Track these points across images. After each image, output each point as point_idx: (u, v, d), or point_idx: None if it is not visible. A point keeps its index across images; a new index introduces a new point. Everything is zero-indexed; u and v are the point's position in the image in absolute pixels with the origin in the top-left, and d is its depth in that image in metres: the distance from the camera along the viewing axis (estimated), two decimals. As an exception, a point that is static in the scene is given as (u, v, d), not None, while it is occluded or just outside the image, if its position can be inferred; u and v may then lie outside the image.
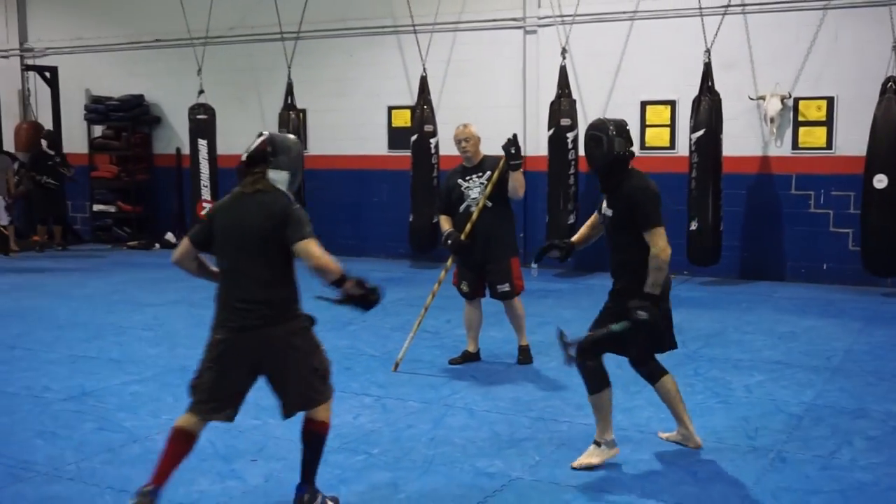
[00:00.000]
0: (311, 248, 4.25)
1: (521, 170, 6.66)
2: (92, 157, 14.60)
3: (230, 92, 13.46)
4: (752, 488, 4.58)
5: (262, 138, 4.37)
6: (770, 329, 8.17)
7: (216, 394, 4.26)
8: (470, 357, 7.04)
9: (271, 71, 13.06)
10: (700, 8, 10.42)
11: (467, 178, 6.80)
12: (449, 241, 6.75)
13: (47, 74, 14.46)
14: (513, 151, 6.57)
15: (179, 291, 10.18)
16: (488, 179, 6.70)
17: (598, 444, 4.88)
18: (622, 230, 4.98)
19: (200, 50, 13.06)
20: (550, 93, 11.04)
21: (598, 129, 4.95)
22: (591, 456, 4.87)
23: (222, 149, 13.14)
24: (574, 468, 4.83)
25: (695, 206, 10.28)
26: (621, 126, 4.96)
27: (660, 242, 4.73)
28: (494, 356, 7.18)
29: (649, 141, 11.15)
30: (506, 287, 6.79)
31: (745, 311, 9.04)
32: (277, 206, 4.27)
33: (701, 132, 10.17)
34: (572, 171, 10.89)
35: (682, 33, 10.72)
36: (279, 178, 4.35)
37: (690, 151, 10.31)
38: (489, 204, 6.69)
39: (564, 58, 10.94)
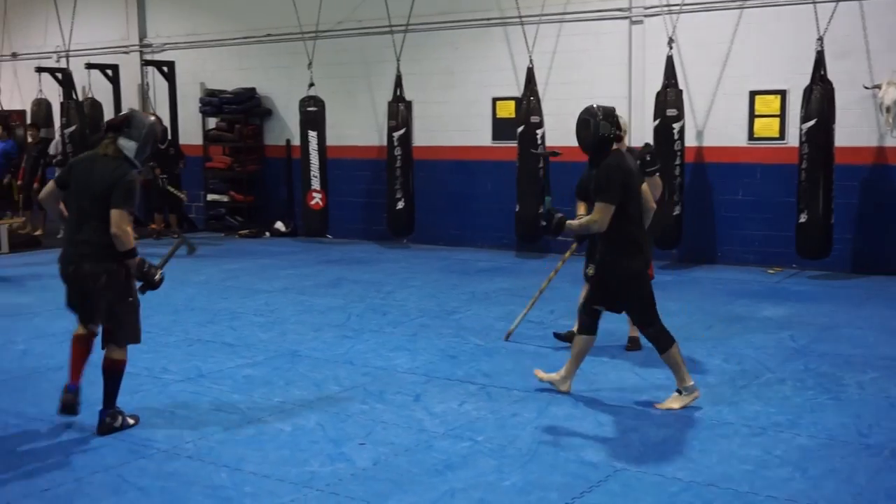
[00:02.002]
0: (117, 216, 5.04)
1: (657, 175, 6.81)
2: (206, 149, 15.13)
3: (339, 84, 13.74)
4: (866, 487, 4.49)
5: (124, 112, 5.47)
6: (884, 325, 7.93)
7: (74, 310, 5.40)
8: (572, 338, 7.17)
9: (380, 63, 13.27)
10: (814, -5, 10.16)
11: None
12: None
13: (165, 69, 15.01)
14: (648, 159, 6.75)
15: (289, 279, 10.52)
16: None
17: (678, 391, 5.59)
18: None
19: (311, 44, 13.37)
20: (656, 83, 10.91)
21: (588, 114, 5.59)
22: (673, 401, 5.58)
23: (331, 140, 13.45)
24: (656, 407, 5.61)
25: (804, 198, 10.02)
26: (609, 112, 5.54)
27: (599, 213, 5.43)
28: (599, 347, 7.17)
29: (758, 131, 10.90)
30: None
31: (858, 306, 8.79)
32: (116, 172, 5.14)
33: (812, 122, 9.90)
34: (678, 161, 10.75)
35: (794, 21, 10.45)
36: (128, 146, 5.23)
37: (801, 142, 10.05)
38: None
39: (671, 48, 10.79)
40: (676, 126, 10.68)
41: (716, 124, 11.17)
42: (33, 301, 9.28)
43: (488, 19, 12.51)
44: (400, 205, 12.79)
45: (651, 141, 10.64)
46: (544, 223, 5.65)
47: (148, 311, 8.45)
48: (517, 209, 11.84)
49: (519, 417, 5.52)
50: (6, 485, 4.55)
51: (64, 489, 4.50)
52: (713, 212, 11.25)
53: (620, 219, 5.44)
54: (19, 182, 14.57)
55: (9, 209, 14.85)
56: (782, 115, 10.71)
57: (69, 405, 5.33)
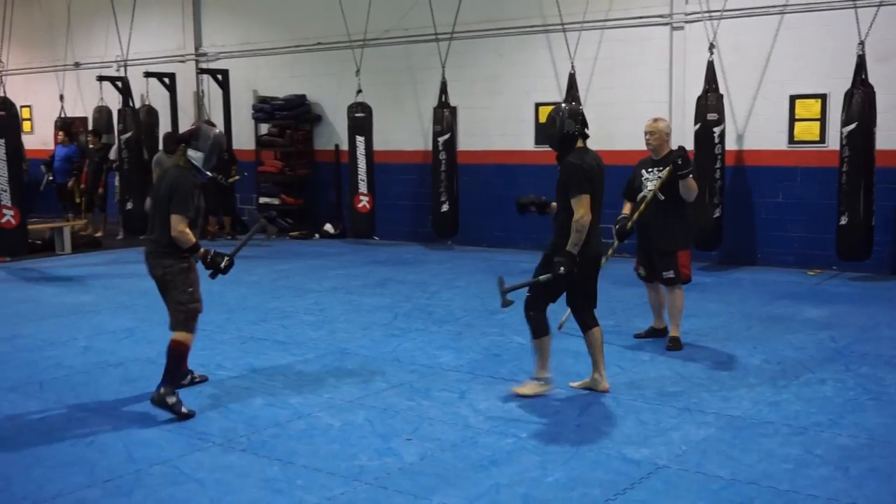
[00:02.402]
0: (174, 220, 5.68)
1: (691, 177, 6.90)
2: (258, 154, 15.45)
3: (386, 91, 13.97)
4: (907, 487, 4.52)
5: (191, 126, 6.01)
6: (926, 326, 7.93)
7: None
8: (655, 333, 7.47)
9: (426, 70, 13.49)
10: (854, 0, 10.14)
11: (650, 169, 7.18)
12: (616, 226, 7.27)
13: (219, 77, 15.36)
14: (679, 162, 6.87)
15: (338, 279, 10.75)
16: None
17: (536, 379, 5.94)
18: (560, 195, 5.96)
19: (359, 51, 13.62)
20: (697, 88, 10.97)
21: (555, 112, 5.96)
22: (525, 388, 5.95)
23: (378, 145, 13.68)
24: (511, 390, 5.97)
25: (845, 201, 10.02)
26: (575, 111, 5.90)
27: (579, 210, 5.67)
28: (639, 346, 7.31)
29: (798, 135, 10.91)
30: (670, 274, 7.13)
31: (900, 308, 8.80)
32: (177, 180, 5.75)
33: (853, 125, 9.89)
34: (718, 165, 10.81)
35: (834, 26, 10.45)
36: (195, 156, 5.84)
37: (841, 145, 10.05)
38: (661, 197, 7.05)
39: (712, 53, 10.84)
40: (717, 130, 10.73)
41: (756, 128, 11.20)
42: (95, 299, 9.62)
43: (531, 26, 12.66)
44: (444, 207, 12.98)
45: (692, 145, 10.72)
46: (562, 270, 5.72)
47: (203, 309, 8.83)
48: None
49: (561, 415, 5.64)
50: (70, 475, 4.75)
51: (124, 480, 4.68)
52: (753, 214, 11.28)
53: (571, 214, 5.74)
54: (82, 186, 15.03)
55: (71, 212, 15.32)
56: (823, 119, 10.72)
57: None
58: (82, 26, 17.51)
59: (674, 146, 7.25)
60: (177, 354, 5.83)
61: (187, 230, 5.70)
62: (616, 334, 7.69)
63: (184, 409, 5.71)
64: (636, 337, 7.53)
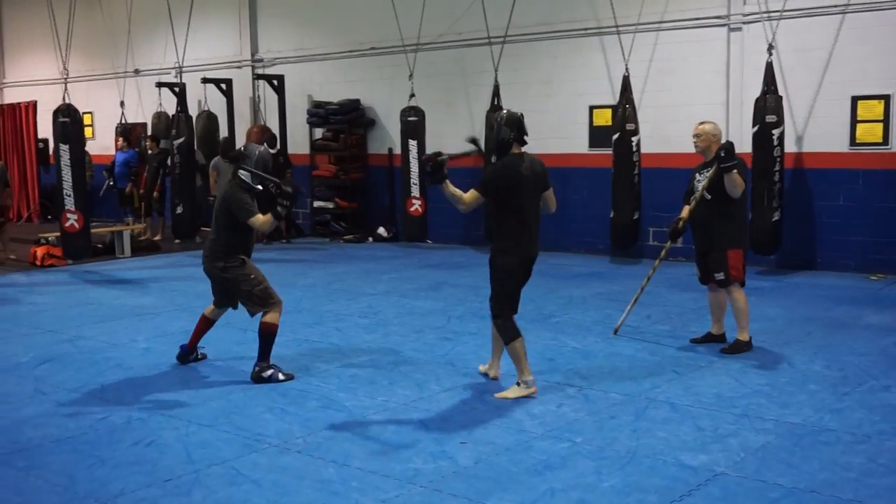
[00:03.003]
0: (255, 221, 6.53)
1: (735, 172, 6.85)
2: (313, 158, 15.61)
3: (439, 95, 14.02)
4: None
5: (238, 148, 7.04)
6: None
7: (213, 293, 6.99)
8: (712, 338, 7.39)
9: (478, 74, 13.50)
10: (922, -3, 9.95)
11: (701, 171, 7.21)
12: (668, 227, 7.41)
13: (275, 82, 15.57)
14: (722, 155, 6.82)
15: (392, 282, 10.80)
16: None
17: (518, 383, 6.06)
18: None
19: (412, 56, 13.68)
20: (755, 90, 10.82)
21: (494, 118, 6.27)
22: (510, 392, 6.07)
23: (431, 148, 13.67)
24: (496, 396, 6.04)
25: (910, 204, 9.82)
26: (512, 118, 6.09)
27: (467, 198, 6.04)
28: (697, 351, 7.22)
29: (860, 137, 10.69)
30: (721, 275, 7.09)
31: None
32: (230, 196, 6.62)
33: (918, 126, 9.69)
34: (777, 168, 10.64)
35: (898, 25, 10.26)
36: (244, 174, 6.64)
37: (906, 147, 9.85)
38: (707, 196, 7.05)
39: (771, 54, 10.68)
40: (776, 132, 10.56)
41: (816, 130, 11.00)
42: (154, 302, 9.80)
43: (585, 29, 12.60)
44: (497, 211, 12.95)
45: (749, 147, 10.58)
46: (430, 167, 6.03)
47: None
48: (612, 215, 11.90)
49: (617, 420, 5.61)
50: (131, 474, 4.84)
51: (183, 480, 4.75)
52: (813, 218, 11.09)
53: (503, 213, 6.06)
54: (141, 190, 15.33)
55: (131, 216, 15.62)
56: (886, 120, 10.49)
57: (179, 358, 7.14)
58: (142, 34, 17.86)
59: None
60: (267, 334, 6.61)
61: (259, 219, 6.53)
62: (672, 338, 7.63)
63: (281, 376, 6.60)
64: (692, 342, 7.45)
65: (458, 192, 6.01)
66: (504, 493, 4.53)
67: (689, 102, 11.69)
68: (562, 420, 5.63)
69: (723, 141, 7.15)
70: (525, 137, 6.13)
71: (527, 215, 6.06)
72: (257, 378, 6.54)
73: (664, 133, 11.98)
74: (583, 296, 9.70)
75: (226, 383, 6.58)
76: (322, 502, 4.48)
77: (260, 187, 6.54)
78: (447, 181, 5.95)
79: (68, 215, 12.16)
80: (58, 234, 12.73)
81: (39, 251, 12.81)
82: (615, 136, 11.79)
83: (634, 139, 11.71)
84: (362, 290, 10.32)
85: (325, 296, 10.04)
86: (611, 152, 11.92)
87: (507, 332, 6.09)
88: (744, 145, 11.06)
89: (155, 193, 15.13)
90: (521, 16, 12.79)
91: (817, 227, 11.09)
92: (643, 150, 11.78)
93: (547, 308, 9.09)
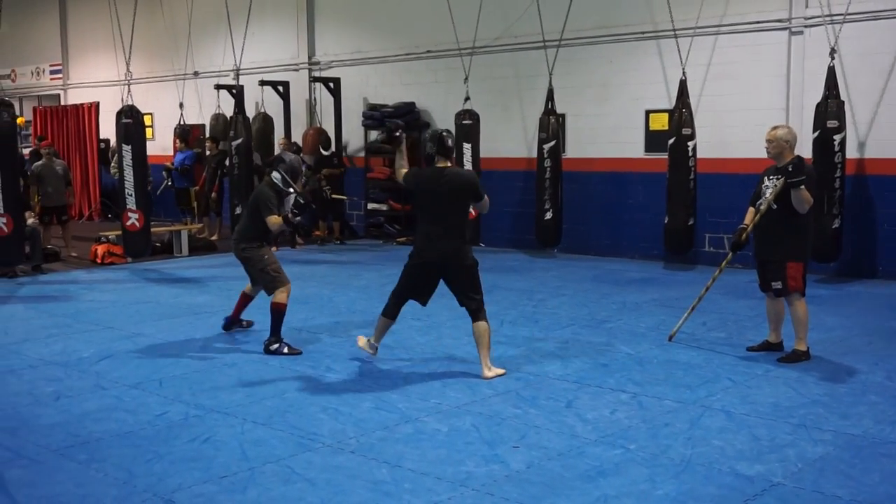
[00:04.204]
0: (269, 220, 7.44)
1: (803, 188, 6.74)
2: (368, 160, 15.72)
3: (494, 98, 14.02)
4: None
5: (276, 154, 8.03)
6: None
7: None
8: (770, 347, 7.30)
9: (533, 77, 13.48)
10: None
11: (770, 177, 7.08)
12: (731, 237, 7.34)
13: (331, 85, 15.72)
14: (790, 170, 6.75)
15: (444, 285, 10.77)
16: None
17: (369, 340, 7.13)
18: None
19: (467, 59, 13.71)
20: (815, 94, 10.63)
21: (426, 134, 6.97)
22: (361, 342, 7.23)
23: (485, 152, 13.72)
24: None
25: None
26: (435, 136, 6.74)
27: (401, 172, 6.89)
28: (753, 359, 7.12)
29: (927, 142, 10.47)
30: (778, 285, 7.00)
31: None
32: (260, 193, 7.61)
33: None
34: (838, 174, 10.44)
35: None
36: (276, 177, 7.62)
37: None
38: (774, 206, 6.94)
39: (833, 58, 10.50)
40: (837, 138, 10.37)
41: (879, 136, 10.79)
42: (211, 300, 9.96)
43: (642, 32, 12.51)
44: (548, 215, 12.93)
45: (810, 153, 10.40)
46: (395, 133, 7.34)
47: (313, 313, 9.06)
48: (667, 221, 11.79)
49: (671, 427, 5.56)
50: (188, 470, 4.92)
51: (238, 477, 4.81)
52: (875, 225, 10.86)
53: (419, 216, 6.91)
54: (197, 189, 15.57)
55: (188, 215, 15.88)
56: (953, 126, 10.27)
57: (224, 327, 8.28)
58: (202, 37, 18.17)
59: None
60: (277, 312, 7.49)
61: (273, 219, 7.44)
62: (728, 346, 7.54)
63: (285, 350, 7.44)
64: (749, 350, 7.36)
65: (404, 163, 6.98)
66: (556, 498, 4.52)
67: (748, 107, 11.54)
68: (615, 426, 5.59)
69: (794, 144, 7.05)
70: (448, 151, 6.71)
71: (430, 222, 6.70)
72: (266, 350, 7.46)
73: (721, 138, 11.84)
74: (636, 302, 9.62)
75: (281, 383, 6.65)
76: (374, 503, 4.51)
77: (291, 189, 7.63)
78: (402, 148, 7.02)
79: (129, 214, 12.39)
80: (118, 232, 12.98)
81: (100, 249, 13.08)
82: (671, 141, 11.68)
83: (691, 144, 11.59)
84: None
85: (378, 297, 10.00)
86: (666, 157, 11.82)
87: (385, 306, 7.03)
88: (804, 151, 10.83)
89: (213, 194, 15.36)
90: (576, 19, 12.74)
91: (879, 235, 10.86)
92: (700, 154, 11.65)
93: (600, 313, 9.04)
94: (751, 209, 7.23)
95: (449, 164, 6.72)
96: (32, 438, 5.48)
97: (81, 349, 7.77)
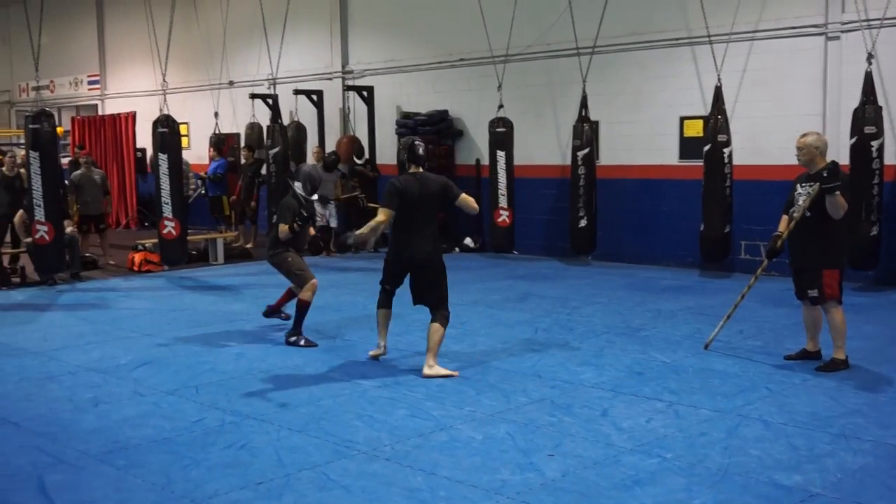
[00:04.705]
0: (280, 226, 8.11)
1: (838, 193, 6.68)
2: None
3: (527, 106, 14.02)
4: None
5: (296, 166, 9.49)
6: None
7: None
8: (807, 355, 7.22)
9: (566, 85, 13.47)
10: None
11: (803, 184, 7.03)
12: (766, 245, 7.28)
13: (365, 93, 15.82)
14: (825, 175, 6.70)
15: (478, 293, 10.82)
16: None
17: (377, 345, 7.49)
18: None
19: (501, 67, 13.73)
20: (853, 100, 10.52)
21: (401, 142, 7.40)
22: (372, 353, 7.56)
23: (519, 159, 13.71)
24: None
25: None
26: (406, 144, 7.15)
27: (379, 217, 7.01)
28: (790, 368, 7.05)
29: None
30: (814, 293, 6.94)
31: None
32: (283, 202, 8.33)
33: None
34: (876, 180, 10.33)
35: None
36: (296, 186, 8.35)
37: None
38: (808, 213, 6.89)
39: (870, 63, 10.38)
40: (875, 143, 10.26)
41: (919, 142, 10.66)
42: (247, 308, 10.01)
43: (676, 39, 12.46)
44: (582, 223, 12.90)
45: (847, 159, 10.30)
46: (350, 243, 7.61)
47: (346, 321, 9.10)
48: (702, 228, 11.71)
49: (708, 436, 5.51)
50: (224, 476, 4.96)
51: (275, 483, 4.84)
52: (915, 232, 10.73)
53: (396, 222, 7.05)
54: (233, 198, 15.71)
55: (222, 223, 16.02)
56: None
57: (264, 314, 9.01)
58: (237, 47, 18.36)
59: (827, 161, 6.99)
60: (300, 309, 8.16)
61: (282, 227, 8.08)
62: (765, 355, 7.47)
63: (302, 343, 8.07)
64: (786, 359, 7.28)
65: (371, 224, 7.06)
66: (592, 506, 4.50)
67: (784, 113, 11.45)
68: (651, 435, 5.56)
69: (826, 150, 6.99)
70: (418, 159, 7.06)
71: (408, 224, 7.02)
72: (287, 342, 8.13)
73: (757, 144, 11.75)
74: (672, 309, 9.56)
75: (316, 390, 6.69)
76: (410, 510, 4.52)
77: (315, 197, 8.45)
78: (357, 233, 7.14)
79: (166, 223, 12.52)
80: (155, 240, 13.12)
81: (137, 257, 13.24)
82: (706, 148, 11.60)
83: (726, 150, 11.51)
84: (449, 299, 10.32)
85: (411, 305, 10.07)
86: (701, 164, 11.74)
87: (378, 301, 7.41)
88: (841, 157, 10.76)
89: (252, 203, 15.49)
90: (610, 26, 12.72)
91: (919, 242, 10.72)
92: (735, 161, 11.56)
93: (635, 321, 8.99)
94: (784, 217, 7.18)
95: (421, 170, 7.09)
96: (72, 444, 5.55)
97: (119, 356, 7.86)
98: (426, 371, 6.98)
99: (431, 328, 7.06)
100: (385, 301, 7.41)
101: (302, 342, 8.07)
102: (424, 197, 7.02)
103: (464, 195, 7.22)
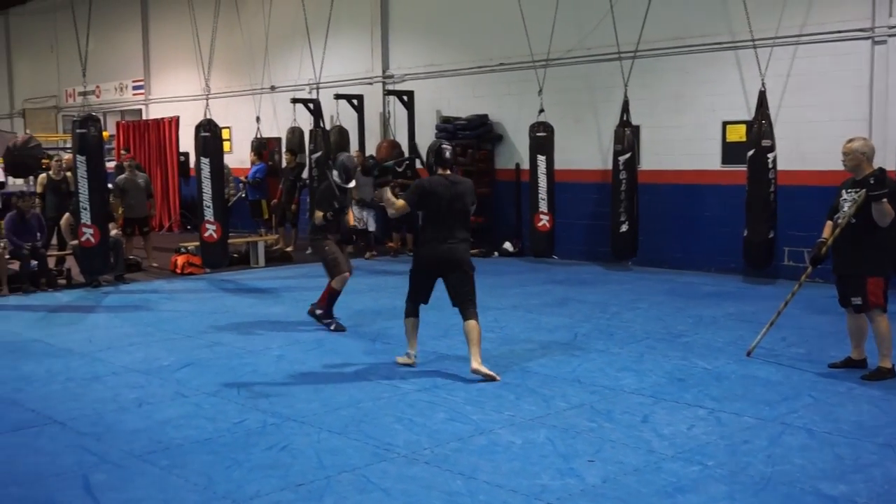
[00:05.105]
0: (315, 213, 8.95)
1: (885, 201, 6.60)
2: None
3: (567, 110, 13.97)
4: None
5: (335, 155, 10.38)
6: None
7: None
8: (852, 364, 7.12)
9: (607, 89, 13.41)
10: None
11: (849, 190, 6.96)
12: (810, 251, 7.21)
13: (405, 98, 15.88)
14: (872, 182, 6.62)
15: (517, 297, 10.80)
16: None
17: (406, 353, 7.51)
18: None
19: (541, 71, 13.70)
20: (901, 105, 10.38)
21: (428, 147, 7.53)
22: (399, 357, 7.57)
23: (559, 164, 13.67)
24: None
25: None
26: (431, 148, 7.36)
27: (398, 204, 7.21)
28: (836, 377, 6.94)
29: None
30: (857, 300, 6.86)
31: None
32: (321, 189, 9.13)
33: None
34: (926, 187, 10.13)
35: None
36: (334, 174, 8.98)
37: None
38: (853, 220, 6.81)
39: (919, 68, 10.23)
40: (925, 149, 10.09)
41: (970, 147, 10.46)
42: (287, 311, 10.10)
43: (719, 43, 12.35)
44: (624, 227, 12.83)
45: (894, 165, 10.13)
46: (375, 173, 7.51)
47: (386, 324, 9.13)
48: (745, 234, 11.58)
49: (750, 444, 5.45)
50: (265, 477, 5.01)
51: (315, 485, 4.87)
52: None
53: (423, 220, 7.39)
54: (274, 202, 15.85)
55: (262, 226, 16.16)
56: None
57: (309, 312, 9.19)
58: (279, 52, 18.52)
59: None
60: (331, 296, 8.88)
61: (317, 213, 8.84)
62: (808, 362, 7.37)
63: (332, 327, 8.81)
64: (831, 367, 7.17)
65: (393, 198, 7.24)
66: (633, 513, 4.48)
67: (829, 118, 11.29)
68: (693, 442, 5.51)
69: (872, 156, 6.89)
70: (445, 162, 7.23)
71: (438, 225, 7.17)
72: (312, 314, 9.02)
73: (802, 150, 11.60)
74: (713, 316, 9.47)
75: (356, 393, 6.72)
76: (450, 514, 4.52)
77: (352, 184, 9.08)
78: (388, 187, 7.32)
79: (207, 226, 12.65)
80: (197, 243, 13.27)
81: (180, 260, 13.39)
82: (750, 153, 11.48)
83: (771, 156, 11.37)
84: (488, 304, 10.29)
85: (450, 309, 9.95)
86: (744, 169, 11.62)
87: (405, 310, 7.45)
88: (888, 163, 10.58)
89: (293, 206, 15.61)
90: (652, 31, 12.64)
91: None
92: (779, 166, 11.43)
93: (676, 328, 8.92)
94: (828, 223, 7.09)
95: (448, 172, 7.27)
96: (116, 444, 5.63)
97: (162, 357, 7.96)
98: (475, 366, 7.02)
99: (469, 325, 7.12)
100: (412, 310, 7.45)
101: (332, 326, 8.77)
102: (454, 198, 7.16)
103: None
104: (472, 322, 7.11)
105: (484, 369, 7.00)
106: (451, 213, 7.16)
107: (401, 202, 7.20)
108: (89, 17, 12.53)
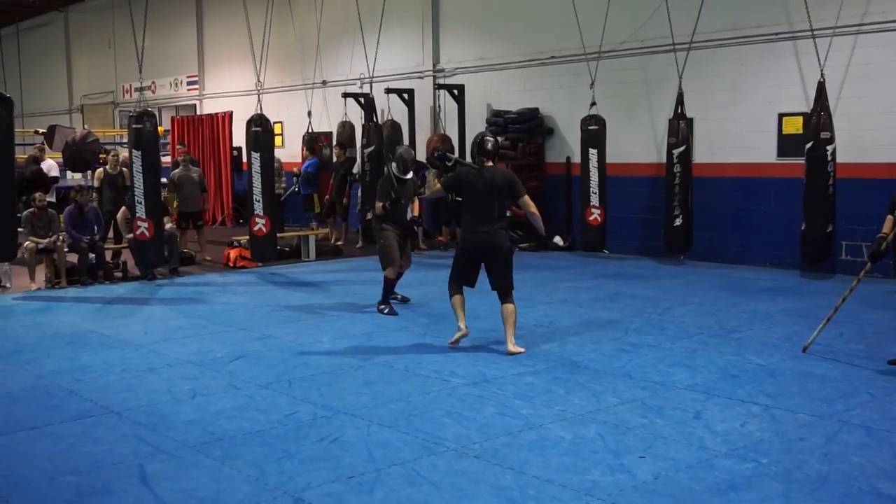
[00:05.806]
0: (376, 203, 9.29)
1: None
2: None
3: (620, 103, 13.84)
4: None
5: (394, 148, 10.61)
6: None
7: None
8: None
9: (661, 82, 13.25)
10: None
11: None
12: (870, 247, 7.11)
13: (455, 92, 15.87)
14: None
15: (567, 291, 10.74)
16: None
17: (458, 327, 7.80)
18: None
19: (593, 64, 13.58)
20: (967, 95, 10.09)
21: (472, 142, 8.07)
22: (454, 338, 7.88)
23: (611, 157, 13.54)
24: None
25: None
26: (476, 142, 7.73)
27: (435, 188, 7.74)
28: (894, 374, 6.78)
29: None
30: None
31: None
32: (380, 181, 9.51)
33: None
34: None
35: None
36: (392, 166, 9.43)
37: None
38: None
39: None
40: None
41: None
42: (338, 303, 10.16)
43: (776, 34, 12.12)
44: (678, 221, 12.67)
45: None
46: (438, 155, 8.19)
47: (435, 318, 9.13)
48: (803, 228, 11.36)
49: (806, 442, 5.35)
50: (316, 469, 5.04)
51: (366, 478, 4.89)
52: None
53: (463, 209, 7.77)
54: (327, 196, 15.95)
55: (314, 220, 16.28)
56: None
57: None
58: (330, 47, 18.63)
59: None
60: (385, 285, 9.42)
61: (378, 206, 9.24)
62: (867, 359, 7.21)
63: (385, 311, 9.30)
64: (890, 363, 7.01)
65: (436, 188, 7.93)
66: (685, 511, 4.42)
67: (890, 110, 11.03)
68: (746, 439, 5.43)
69: None
70: (486, 153, 7.58)
71: (474, 213, 7.57)
72: (377, 309, 9.39)
73: (862, 142, 11.35)
74: (768, 311, 9.31)
75: (405, 387, 6.73)
76: (499, 508, 4.51)
77: (409, 175, 9.42)
78: (434, 171, 8.17)
79: (257, 220, 12.77)
80: (248, 237, 13.41)
81: (232, 253, 13.55)
82: (808, 145, 11.26)
83: (829, 148, 11.14)
84: (538, 298, 10.31)
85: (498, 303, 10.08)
86: (800, 161, 11.40)
87: (449, 291, 7.83)
88: (951, 155, 10.37)
89: (344, 200, 15.70)
90: (707, 22, 12.46)
91: None
92: (838, 159, 11.19)
93: (730, 322, 8.79)
94: (889, 217, 6.94)
95: (490, 164, 7.62)
96: (171, 434, 5.72)
97: (215, 349, 8.05)
98: (511, 348, 7.54)
99: (507, 309, 7.63)
100: (457, 289, 7.83)
101: (385, 310, 9.31)
102: (490, 188, 7.52)
103: (527, 197, 7.81)
104: (509, 306, 7.64)
105: (514, 349, 7.56)
106: (488, 202, 7.54)
107: (437, 185, 7.73)
108: (146, 14, 12.70)
